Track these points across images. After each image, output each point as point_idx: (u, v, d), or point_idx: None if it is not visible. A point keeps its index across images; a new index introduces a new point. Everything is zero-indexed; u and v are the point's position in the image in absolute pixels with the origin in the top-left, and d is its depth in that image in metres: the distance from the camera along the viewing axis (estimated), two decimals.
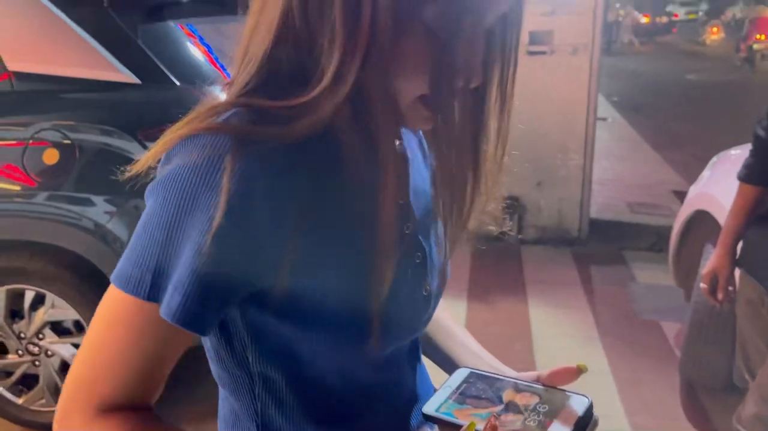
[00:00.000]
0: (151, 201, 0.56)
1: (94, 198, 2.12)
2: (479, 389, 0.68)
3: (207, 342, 0.66)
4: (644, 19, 21.70)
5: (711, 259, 1.79)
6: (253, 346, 0.62)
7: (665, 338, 3.11)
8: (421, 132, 0.72)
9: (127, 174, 0.60)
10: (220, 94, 0.62)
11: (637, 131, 7.74)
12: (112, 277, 0.57)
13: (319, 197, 0.58)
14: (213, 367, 0.68)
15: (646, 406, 2.56)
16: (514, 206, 4.19)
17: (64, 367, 2.30)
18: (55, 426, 0.59)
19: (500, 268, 3.88)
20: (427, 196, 0.70)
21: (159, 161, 0.58)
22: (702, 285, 1.81)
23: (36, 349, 2.29)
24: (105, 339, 0.57)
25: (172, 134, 0.57)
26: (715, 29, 18.19)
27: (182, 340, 0.59)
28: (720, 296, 1.76)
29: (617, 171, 5.88)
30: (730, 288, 1.76)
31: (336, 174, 0.59)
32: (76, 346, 2.29)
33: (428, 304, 0.70)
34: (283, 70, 0.59)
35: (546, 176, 4.11)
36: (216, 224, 0.53)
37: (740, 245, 1.74)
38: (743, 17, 16.44)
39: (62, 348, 2.28)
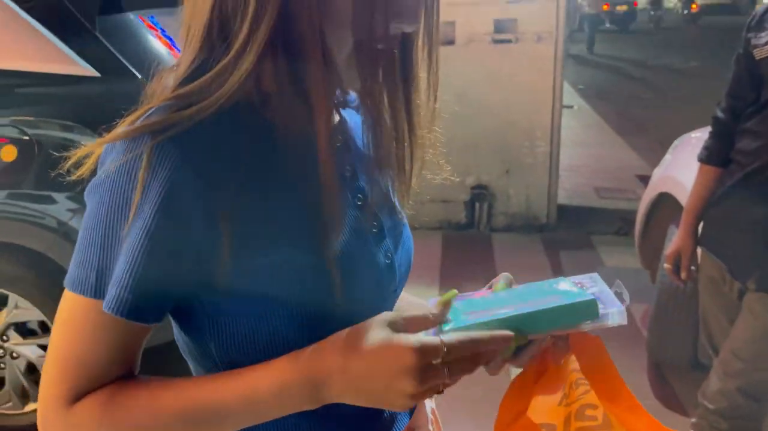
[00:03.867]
0: (89, 204, 0.59)
1: (56, 196, 2.07)
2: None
3: (179, 339, 0.67)
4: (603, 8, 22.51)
5: (674, 239, 1.83)
6: (215, 337, 0.62)
7: (633, 319, 3.17)
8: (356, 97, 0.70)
9: (75, 176, 0.62)
10: (166, 79, 0.62)
11: (603, 117, 7.85)
12: (65, 280, 0.60)
13: (251, 166, 0.59)
14: (189, 362, 0.69)
15: None
16: (483, 194, 4.22)
17: (31, 369, 2.25)
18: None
19: (471, 256, 3.91)
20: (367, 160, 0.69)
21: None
22: (666, 266, 1.85)
23: (0, 351, 2.24)
24: (65, 338, 0.60)
25: (106, 138, 0.58)
26: None
27: (135, 330, 0.60)
28: (683, 275, 1.80)
29: (584, 157, 5.95)
30: (693, 268, 1.80)
31: (268, 140, 0.60)
32: (42, 347, 2.24)
33: (392, 271, 0.68)
34: (217, 48, 0.59)
35: (514, 164, 4.14)
36: (146, 221, 0.55)
37: (701, 225, 1.78)
38: None
39: (27, 349, 2.23)
